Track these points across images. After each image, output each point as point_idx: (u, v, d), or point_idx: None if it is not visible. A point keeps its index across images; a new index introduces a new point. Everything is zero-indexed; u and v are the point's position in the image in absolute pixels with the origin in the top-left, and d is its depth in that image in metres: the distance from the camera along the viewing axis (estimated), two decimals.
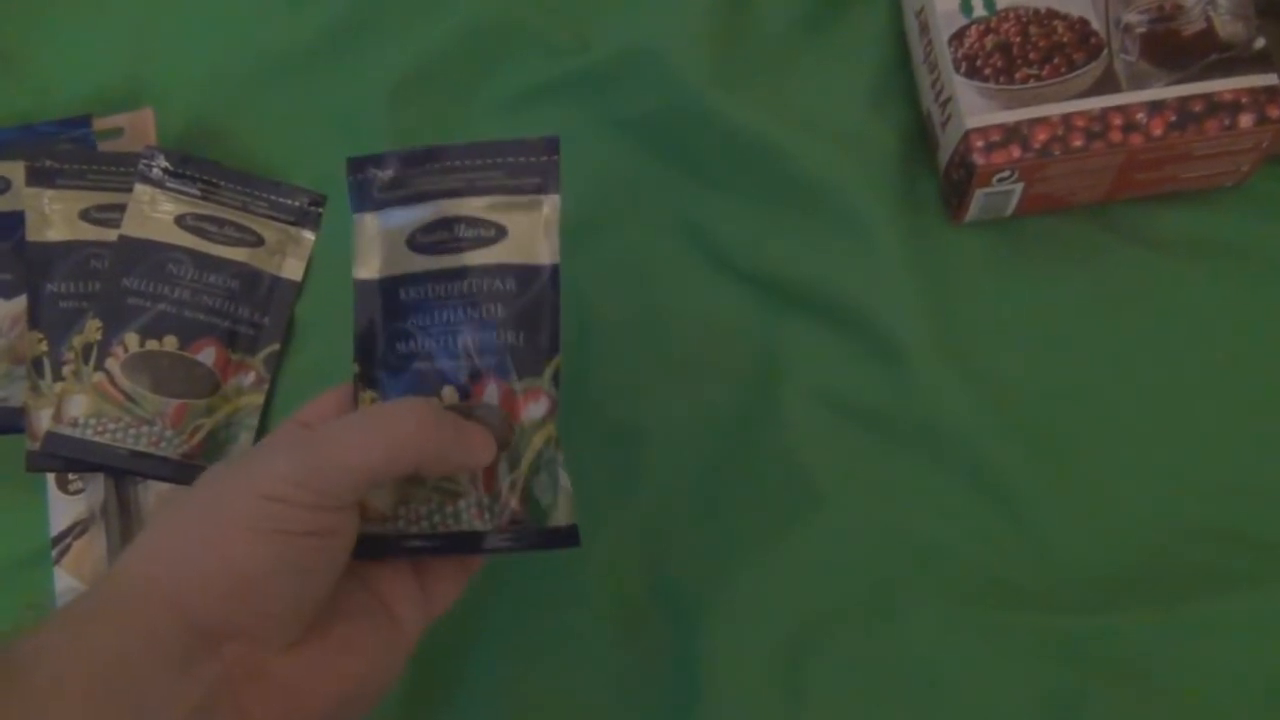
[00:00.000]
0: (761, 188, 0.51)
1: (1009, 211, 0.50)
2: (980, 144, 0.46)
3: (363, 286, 0.41)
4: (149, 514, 0.52)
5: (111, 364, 0.50)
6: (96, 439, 0.49)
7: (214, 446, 0.51)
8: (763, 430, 0.49)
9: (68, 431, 0.49)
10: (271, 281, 0.53)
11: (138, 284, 0.52)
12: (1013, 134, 0.46)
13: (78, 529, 0.52)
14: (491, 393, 0.40)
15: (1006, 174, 0.47)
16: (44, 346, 0.51)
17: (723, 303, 0.51)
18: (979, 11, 0.48)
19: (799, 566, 0.47)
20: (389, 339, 0.41)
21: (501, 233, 0.41)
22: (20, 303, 0.52)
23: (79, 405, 0.50)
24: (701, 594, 0.47)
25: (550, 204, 0.41)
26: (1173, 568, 0.45)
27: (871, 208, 0.49)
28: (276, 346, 0.53)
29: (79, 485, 0.53)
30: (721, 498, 0.49)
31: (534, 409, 0.40)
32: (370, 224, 0.42)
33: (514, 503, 0.39)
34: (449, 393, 0.40)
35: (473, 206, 0.41)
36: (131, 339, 0.51)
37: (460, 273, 0.40)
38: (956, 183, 0.49)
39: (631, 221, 0.52)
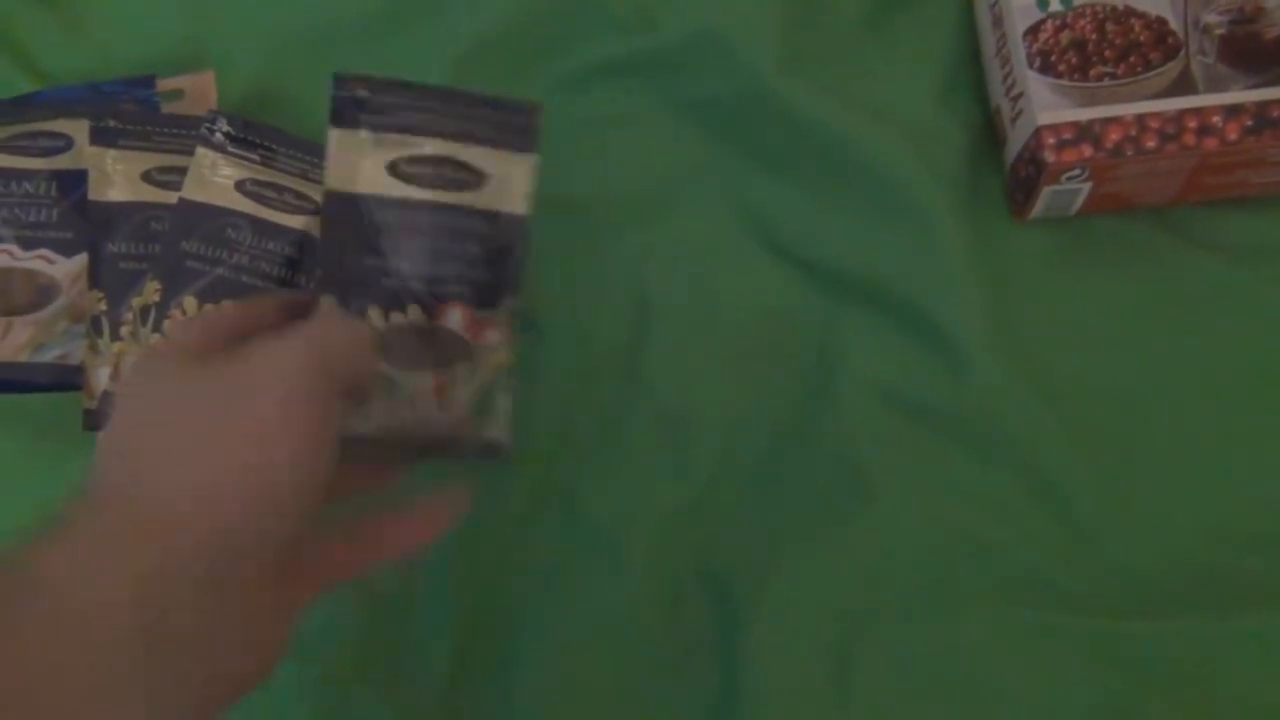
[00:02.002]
0: (825, 176, 0.50)
1: (1074, 210, 0.49)
2: (1051, 141, 0.46)
3: (337, 198, 0.44)
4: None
5: (169, 326, 0.51)
6: None
7: None
8: (817, 420, 0.49)
9: None
10: None
11: (197, 247, 0.52)
12: (1085, 132, 0.46)
13: None
14: (454, 317, 0.45)
15: (1076, 173, 0.46)
16: (103, 306, 0.52)
17: (781, 290, 0.51)
18: (1055, 6, 0.48)
19: (848, 560, 0.47)
20: (358, 252, 0.45)
21: (482, 179, 0.46)
22: (80, 261, 0.53)
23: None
24: (749, 583, 0.48)
25: (529, 162, 0.46)
26: (1227, 576, 0.45)
27: (935, 201, 0.49)
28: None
29: None
30: (773, 487, 0.49)
31: (491, 335, 0.46)
32: (350, 140, 0.45)
33: (459, 410, 0.44)
34: (414, 310, 0.44)
35: (460, 150, 0.45)
36: (189, 302, 0.51)
37: (440, 208, 0.45)
38: (1024, 179, 0.48)
39: (692, 204, 0.52)
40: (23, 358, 0.52)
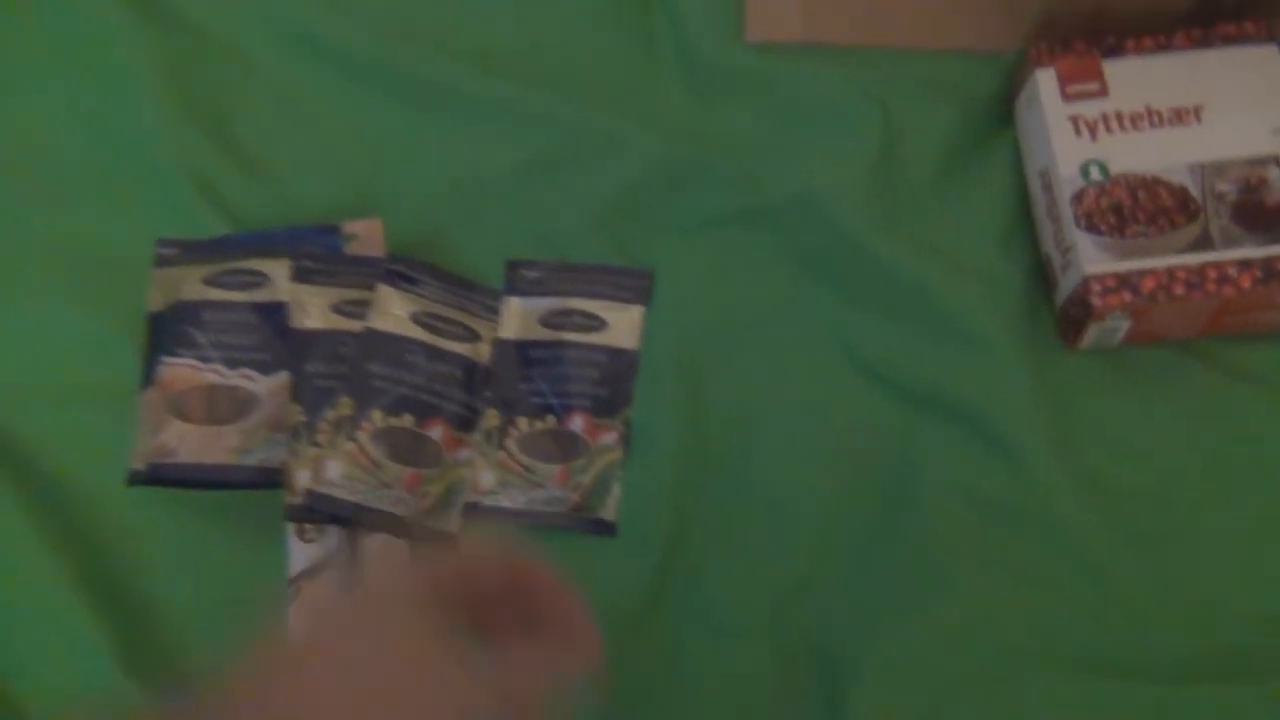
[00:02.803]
0: (905, 311, 0.61)
1: (1115, 342, 0.60)
2: (1097, 288, 0.56)
3: (504, 343, 0.63)
4: (370, 559, 0.61)
5: (361, 435, 0.61)
6: (348, 497, 0.59)
7: (440, 508, 0.61)
8: (902, 515, 0.58)
9: (325, 489, 0.60)
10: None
11: (381, 369, 0.62)
12: (1124, 281, 0.56)
13: (310, 572, 0.62)
14: (579, 422, 0.61)
15: (1118, 314, 0.57)
16: (302, 417, 0.61)
17: (869, 405, 0.61)
18: (1095, 177, 0.58)
19: (934, 636, 0.56)
20: (516, 379, 0.62)
21: (603, 325, 0.63)
22: (277, 379, 0.63)
23: (334, 469, 0.60)
24: (851, 656, 0.57)
25: (638, 312, 0.63)
26: (1256, 649, 0.54)
27: (999, 332, 0.59)
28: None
29: (313, 535, 0.62)
30: (868, 571, 0.58)
31: (606, 438, 0.61)
32: (516, 304, 0.64)
33: (577, 496, 0.60)
34: (550, 419, 0.61)
35: (588, 305, 0.64)
36: (377, 415, 0.61)
37: (573, 345, 0.63)
38: (1073, 317, 0.59)
39: (792, 333, 0.63)
40: (231, 460, 0.61)
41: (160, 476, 0.61)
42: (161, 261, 0.66)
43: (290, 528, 0.62)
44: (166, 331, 0.64)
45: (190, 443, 0.61)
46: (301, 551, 0.62)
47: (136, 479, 0.61)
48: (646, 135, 0.66)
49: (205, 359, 0.63)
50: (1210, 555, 0.56)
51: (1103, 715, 0.54)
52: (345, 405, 0.61)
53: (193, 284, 0.65)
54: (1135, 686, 0.54)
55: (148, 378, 0.63)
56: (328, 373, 0.62)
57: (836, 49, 0.67)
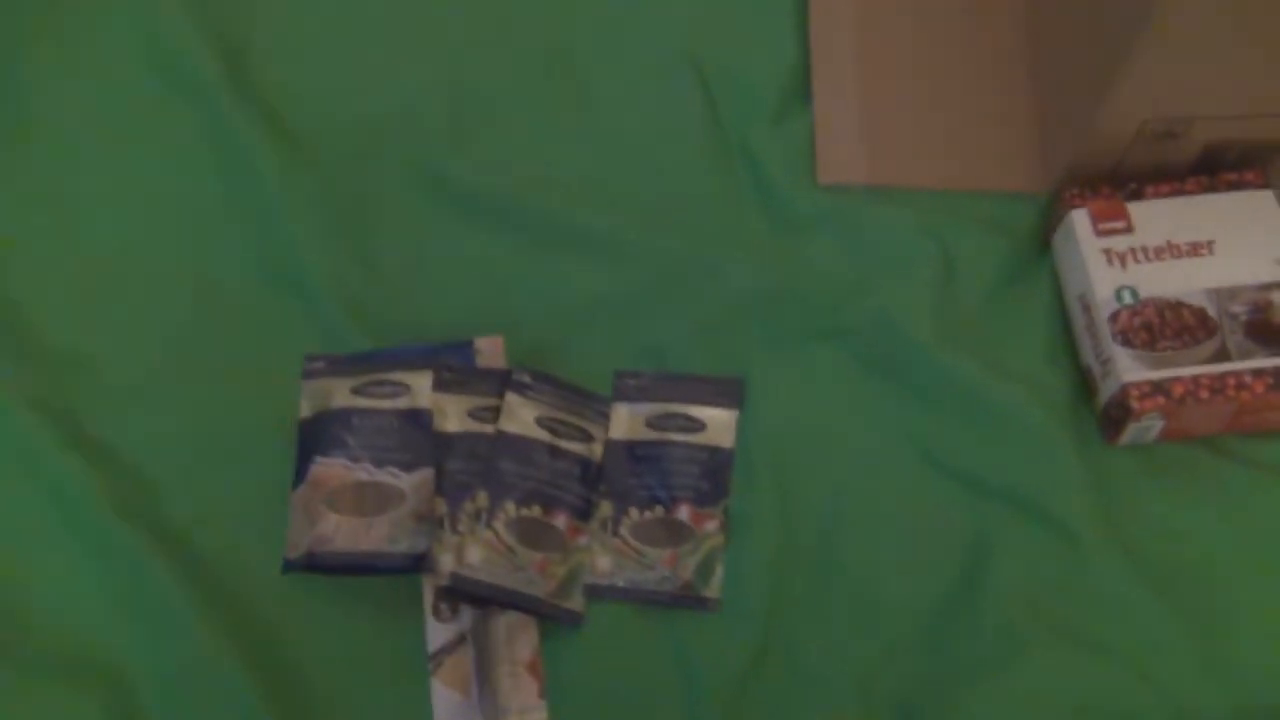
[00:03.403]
0: (969, 414, 0.71)
1: (1150, 439, 0.69)
2: (1135, 393, 0.66)
3: (614, 444, 0.72)
4: (501, 641, 0.69)
5: (497, 524, 0.69)
6: (488, 579, 0.68)
7: (565, 589, 0.69)
8: (975, 590, 0.67)
9: (468, 572, 0.68)
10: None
11: (511, 466, 0.71)
12: (1157, 387, 0.66)
13: (449, 648, 0.69)
14: (684, 512, 0.70)
15: (1153, 415, 0.66)
16: (444, 508, 0.70)
17: (940, 495, 0.70)
18: (1127, 300, 0.69)
19: (1007, 697, 0.64)
20: (625, 475, 0.71)
21: (702, 426, 0.72)
22: (419, 474, 0.71)
23: (475, 554, 0.68)
24: (932, 712, 0.64)
25: (732, 415, 0.73)
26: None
27: (1052, 431, 0.69)
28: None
29: (448, 616, 0.70)
30: (945, 642, 0.66)
31: (709, 525, 0.70)
32: (624, 409, 0.73)
33: (687, 575, 0.68)
34: (658, 509, 0.70)
35: (688, 409, 0.73)
36: (509, 506, 0.70)
37: (677, 444, 0.72)
38: (1114, 418, 0.69)
39: (869, 433, 0.72)
40: (382, 547, 0.70)
41: (317, 563, 0.69)
42: (310, 374, 0.75)
43: (428, 609, 0.70)
44: (318, 435, 0.73)
45: (345, 532, 0.70)
46: (438, 631, 0.70)
47: (293, 567, 0.69)
48: (737, 265, 0.76)
49: (355, 459, 0.72)
50: (1244, 624, 0.65)
51: None
52: (482, 498, 0.70)
53: (341, 394, 0.74)
54: None
55: (300, 477, 0.72)
56: (466, 469, 0.71)
57: (896, 190, 0.78)
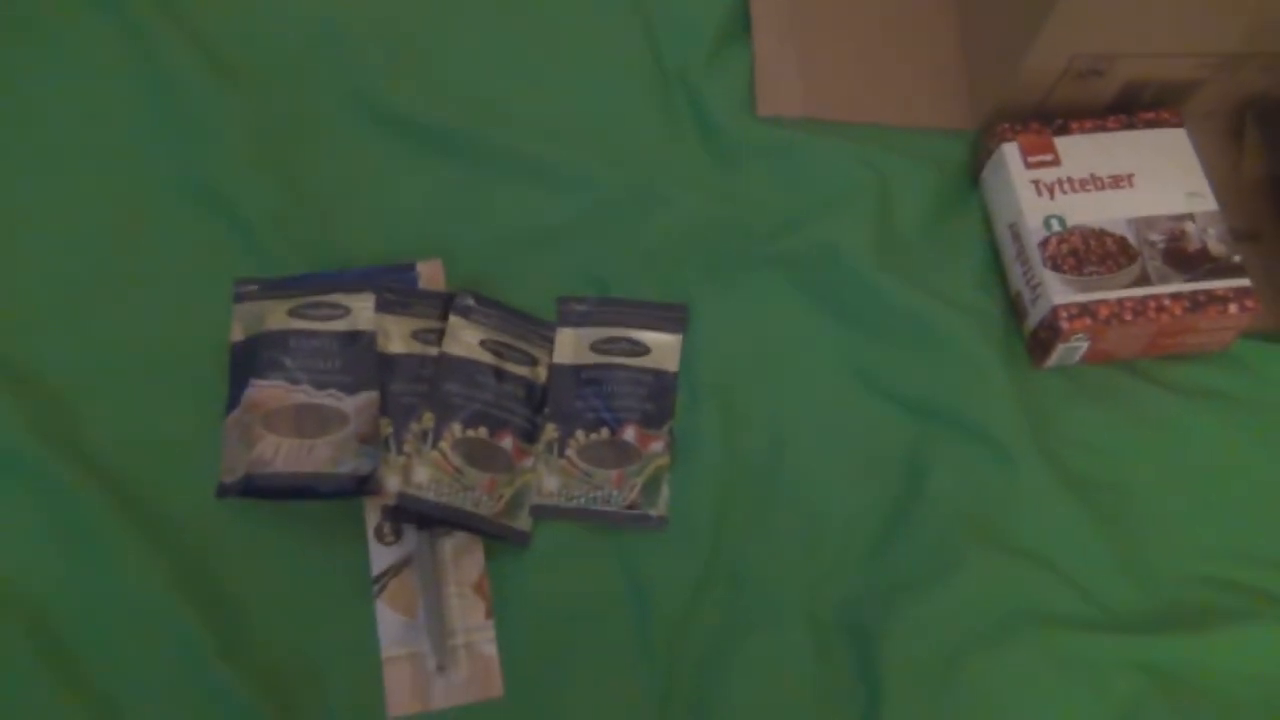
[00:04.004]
0: (906, 338, 0.73)
1: (1075, 361, 0.73)
2: (1064, 315, 0.69)
3: (559, 368, 0.72)
4: (447, 562, 0.69)
5: (444, 445, 0.69)
6: (436, 499, 0.67)
7: (512, 509, 0.69)
8: (914, 507, 0.69)
9: (415, 492, 0.67)
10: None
11: (457, 388, 0.70)
12: (1084, 309, 0.70)
13: (393, 570, 0.69)
14: (630, 433, 0.70)
15: (1080, 335, 0.70)
16: (389, 429, 0.69)
17: (879, 415, 0.72)
18: (1056, 228, 0.72)
19: (947, 603, 0.67)
20: (572, 399, 0.71)
21: (647, 350, 0.73)
22: (362, 397, 0.70)
23: (422, 474, 0.68)
24: (876, 623, 0.67)
25: (677, 339, 0.73)
26: (1197, 605, 0.67)
27: (985, 354, 0.71)
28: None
29: (392, 539, 0.69)
30: (887, 556, 0.68)
31: (655, 446, 0.70)
32: (568, 334, 0.73)
33: (633, 495, 0.68)
34: (604, 430, 0.70)
35: (633, 333, 0.73)
36: (456, 427, 0.69)
37: (622, 367, 0.72)
38: (1042, 340, 0.72)
39: (810, 357, 0.74)
40: (325, 469, 0.68)
41: (255, 486, 0.67)
42: (241, 297, 0.73)
43: (371, 532, 0.69)
44: (253, 358, 0.71)
45: (285, 454, 0.68)
46: (382, 554, 0.69)
47: (229, 491, 0.67)
48: (677, 194, 0.77)
49: (294, 381, 0.70)
50: (1158, 531, 0.69)
51: (1084, 664, 0.65)
52: (428, 419, 0.69)
53: (277, 316, 0.72)
54: (1105, 637, 0.66)
55: (234, 401, 0.70)
56: (411, 391, 0.70)
57: (832, 124, 0.80)
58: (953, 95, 0.82)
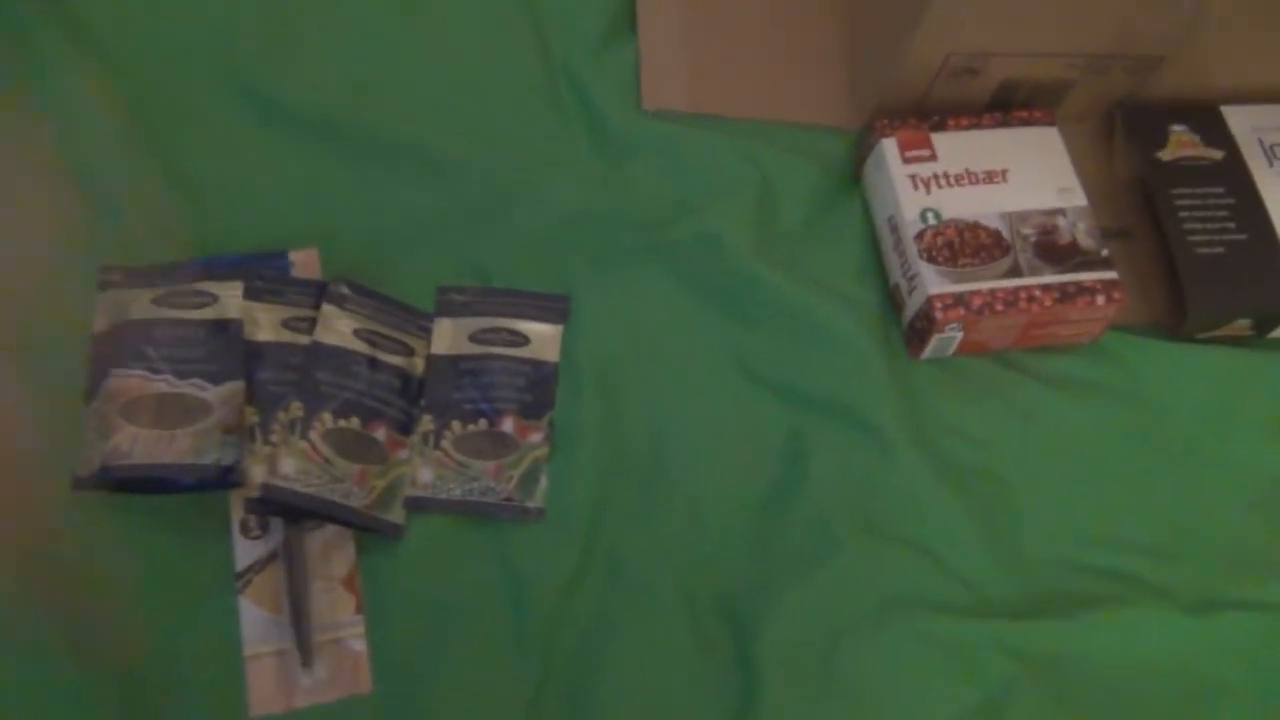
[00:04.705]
0: (786, 329, 0.73)
1: (950, 352, 0.74)
2: (939, 305, 0.70)
3: (436, 358, 0.71)
4: (316, 557, 0.67)
5: (313, 435, 0.67)
6: (303, 490, 0.65)
7: (385, 501, 0.67)
8: (794, 494, 0.69)
9: (281, 483, 0.65)
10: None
11: (328, 377, 0.69)
12: (958, 300, 0.71)
13: (259, 565, 0.66)
14: (508, 424, 0.69)
15: (954, 325, 0.71)
16: (256, 418, 0.67)
17: (760, 407, 0.72)
18: (931, 221, 0.73)
19: (824, 588, 0.67)
20: (449, 389, 0.70)
21: (526, 340, 0.72)
22: (227, 387, 0.68)
23: (289, 465, 0.65)
24: (754, 610, 0.66)
25: (557, 329, 0.72)
26: (1066, 591, 0.68)
27: (863, 344, 0.72)
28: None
29: (257, 533, 0.67)
30: (766, 542, 0.68)
31: (533, 437, 0.69)
32: (447, 324, 0.72)
33: (510, 486, 0.67)
34: (482, 421, 0.69)
35: (513, 323, 0.72)
36: (326, 417, 0.67)
37: (501, 358, 0.71)
38: (919, 330, 0.72)
39: (691, 347, 0.73)
40: (185, 460, 0.66)
41: (111, 477, 0.64)
42: (105, 285, 0.70)
43: (235, 526, 0.67)
44: (114, 348, 0.68)
45: (143, 445, 0.65)
46: (247, 548, 0.66)
47: (85, 484, 0.64)
48: (561, 184, 0.77)
49: (155, 371, 0.67)
50: (1030, 517, 0.70)
51: (956, 650, 0.66)
52: (297, 408, 0.67)
53: (141, 304, 0.69)
54: (977, 622, 0.66)
55: (93, 392, 0.67)
56: (279, 379, 0.68)
57: (717, 118, 0.80)
58: (837, 92, 0.83)
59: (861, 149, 0.79)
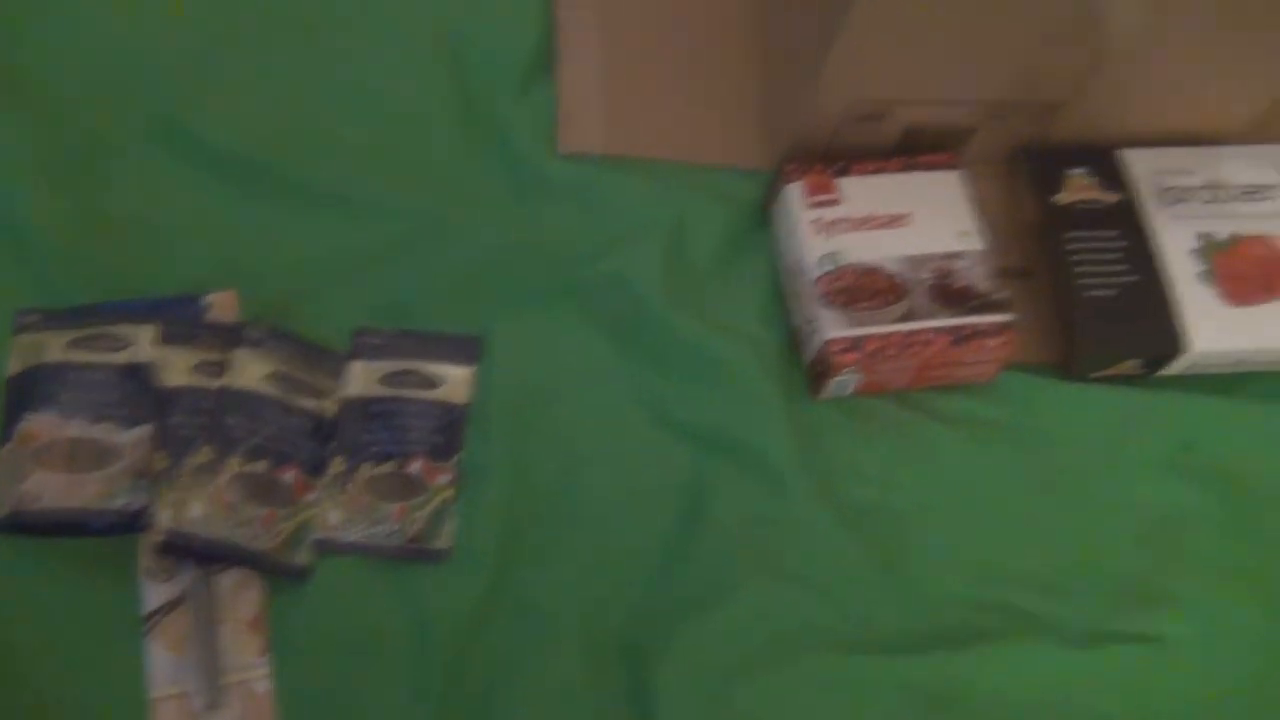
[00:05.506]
0: (691, 369, 0.75)
1: (849, 392, 0.76)
2: (835, 349, 0.72)
3: (348, 401, 0.73)
4: (224, 599, 0.68)
5: (221, 479, 0.68)
6: (209, 534, 0.67)
7: (292, 544, 0.69)
8: (694, 532, 0.71)
9: (187, 527, 0.66)
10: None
11: (238, 421, 0.70)
12: (855, 343, 0.73)
13: (166, 608, 0.68)
14: (417, 466, 0.71)
15: (850, 369, 0.73)
16: (165, 462, 0.68)
17: (665, 444, 0.74)
18: (831, 266, 0.75)
19: (721, 628, 0.69)
20: (360, 431, 0.72)
21: (438, 382, 0.74)
22: (138, 431, 0.69)
23: (197, 509, 0.67)
24: (653, 649, 0.68)
25: (469, 371, 0.74)
26: (962, 625, 0.70)
27: (767, 387, 0.74)
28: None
29: (165, 575, 0.68)
30: (668, 579, 0.70)
31: (442, 478, 0.71)
32: (360, 367, 0.74)
33: (417, 527, 0.69)
34: (392, 463, 0.71)
35: (425, 366, 0.74)
36: (235, 461, 0.69)
37: (412, 400, 0.73)
38: (818, 373, 0.75)
39: (600, 387, 0.75)
40: (95, 504, 0.67)
41: (24, 522, 0.66)
42: (21, 329, 0.72)
43: (143, 569, 0.68)
44: (27, 392, 0.69)
45: (55, 489, 0.67)
46: (154, 591, 0.68)
47: None
48: (477, 225, 0.78)
49: (67, 415, 0.69)
50: (924, 554, 0.72)
51: (849, 685, 0.68)
52: (205, 452, 0.69)
53: (56, 348, 0.71)
54: (868, 658, 0.68)
55: (6, 436, 0.69)
56: (189, 423, 0.70)
57: (634, 161, 0.82)
58: (753, 135, 0.85)
59: (771, 192, 0.81)
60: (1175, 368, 0.77)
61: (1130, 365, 0.77)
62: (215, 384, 0.71)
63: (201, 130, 0.78)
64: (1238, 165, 0.82)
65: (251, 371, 0.72)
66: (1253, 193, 0.81)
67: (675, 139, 0.84)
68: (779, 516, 0.71)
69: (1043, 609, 0.72)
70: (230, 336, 0.72)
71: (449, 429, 0.73)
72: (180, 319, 0.72)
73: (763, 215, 0.82)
